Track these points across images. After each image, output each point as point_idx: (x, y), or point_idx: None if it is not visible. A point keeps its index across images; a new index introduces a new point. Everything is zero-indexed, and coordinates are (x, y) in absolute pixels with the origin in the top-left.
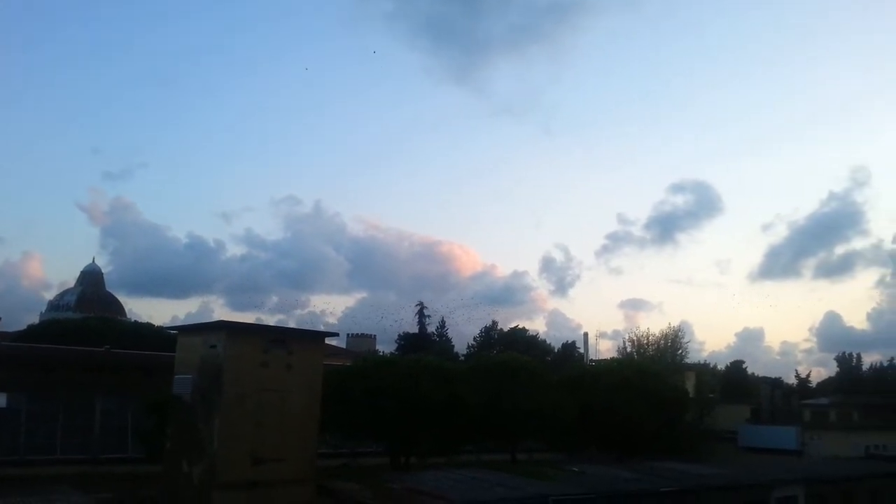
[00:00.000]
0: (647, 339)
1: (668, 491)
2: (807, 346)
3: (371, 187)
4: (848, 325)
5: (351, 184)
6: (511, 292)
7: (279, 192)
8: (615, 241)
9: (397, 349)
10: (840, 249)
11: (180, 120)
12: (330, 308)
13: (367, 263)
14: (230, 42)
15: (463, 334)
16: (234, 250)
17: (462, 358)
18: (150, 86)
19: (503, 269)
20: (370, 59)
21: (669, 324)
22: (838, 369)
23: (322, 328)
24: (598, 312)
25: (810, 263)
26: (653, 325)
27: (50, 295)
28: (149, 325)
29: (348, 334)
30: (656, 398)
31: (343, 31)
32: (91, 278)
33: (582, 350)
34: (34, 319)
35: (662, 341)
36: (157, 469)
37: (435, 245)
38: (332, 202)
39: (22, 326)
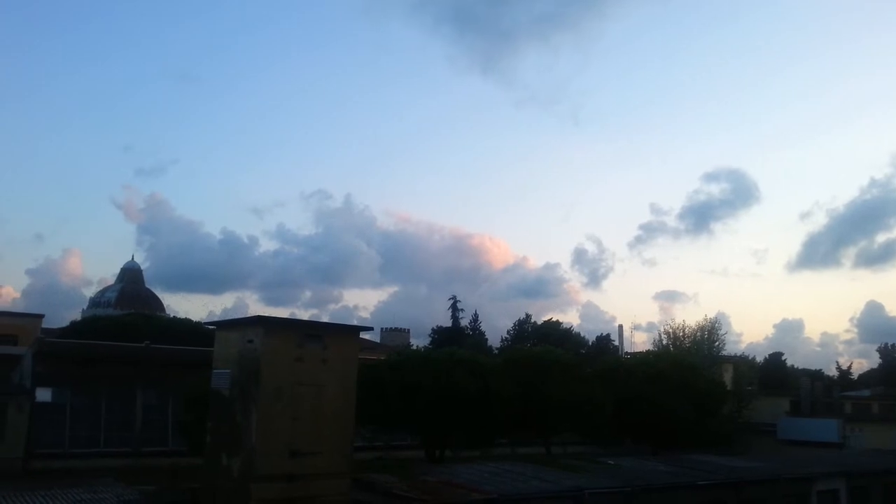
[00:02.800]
0: (683, 331)
1: (705, 484)
2: (848, 336)
3: (400, 180)
4: (890, 315)
5: (380, 177)
6: (543, 285)
7: (309, 186)
8: (648, 232)
9: (431, 343)
10: (881, 237)
11: (208, 116)
12: (363, 302)
13: (398, 257)
14: (255, 37)
15: (496, 328)
16: (267, 245)
17: (496, 351)
18: (178, 82)
19: (535, 262)
20: (395, 51)
21: (706, 315)
22: (881, 360)
23: (355, 322)
24: (633, 304)
25: (850, 252)
26: (688, 316)
27: (90, 291)
28: (187, 321)
29: (382, 328)
30: (693, 391)
31: (367, 22)
32: (131, 275)
33: (616, 343)
34: (75, 316)
35: (699, 333)
36: (197, 462)
37: (466, 238)
38: (362, 196)
39: (64, 323)
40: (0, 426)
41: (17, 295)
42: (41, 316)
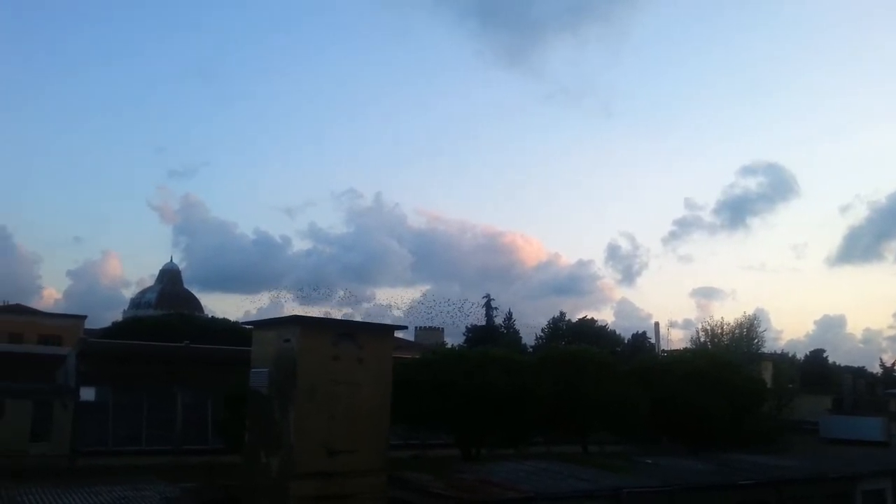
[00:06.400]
0: (721, 328)
1: (746, 484)
2: (892, 332)
3: (429, 178)
4: None
5: (409, 175)
6: (577, 282)
7: (339, 185)
8: (683, 227)
9: (465, 342)
10: None
11: (237, 116)
12: (396, 301)
13: (430, 256)
14: (282, 36)
15: (530, 326)
16: (300, 245)
17: (530, 350)
18: (206, 82)
19: (568, 259)
20: (421, 47)
21: (744, 312)
22: None
23: (389, 321)
24: (669, 301)
25: (893, 246)
26: (726, 313)
27: (129, 292)
28: (225, 321)
29: (416, 327)
30: (731, 389)
31: (390, 16)
32: (170, 276)
33: (653, 340)
34: (116, 316)
35: (737, 330)
36: (237, 460)
37: (497, 235)
38: (392, 194)
39: (105, 323)
40: (46, 424)
41: (59, 296)
42: (84, 317)
